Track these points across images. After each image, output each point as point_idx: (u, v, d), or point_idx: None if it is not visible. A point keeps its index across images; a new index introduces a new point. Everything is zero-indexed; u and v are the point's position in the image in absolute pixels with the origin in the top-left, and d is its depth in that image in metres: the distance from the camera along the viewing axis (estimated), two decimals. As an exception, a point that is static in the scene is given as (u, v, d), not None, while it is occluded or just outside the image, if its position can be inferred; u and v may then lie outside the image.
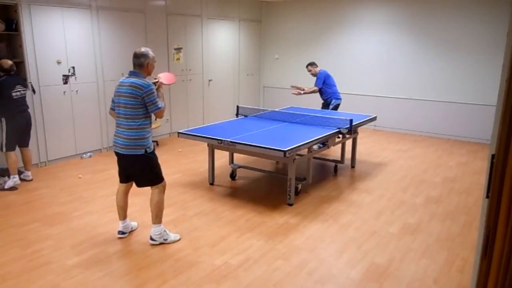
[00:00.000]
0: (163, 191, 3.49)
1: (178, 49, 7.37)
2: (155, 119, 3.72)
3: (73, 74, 5.82)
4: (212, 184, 4.99)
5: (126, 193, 3.60)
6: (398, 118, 8.02)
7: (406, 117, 7.94)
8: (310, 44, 8.80)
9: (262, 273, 3.08)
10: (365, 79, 8.24)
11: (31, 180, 5.01)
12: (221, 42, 8.32)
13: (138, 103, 3.21)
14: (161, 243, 3.47)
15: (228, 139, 4.27)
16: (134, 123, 3.25)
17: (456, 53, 7.27)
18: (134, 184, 3.56)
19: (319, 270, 3.13)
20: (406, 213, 4.23)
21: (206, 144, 4.80)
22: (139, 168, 3.37)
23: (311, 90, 6.45)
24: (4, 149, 4.74)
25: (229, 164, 5.37)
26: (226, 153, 5.45)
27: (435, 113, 7.63)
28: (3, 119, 4.69)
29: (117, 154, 3.39)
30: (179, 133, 4.70)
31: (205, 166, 5.27)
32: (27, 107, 4.92)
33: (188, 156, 6.23)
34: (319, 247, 3.48)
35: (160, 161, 3.54)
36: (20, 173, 4.95)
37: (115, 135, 3.37)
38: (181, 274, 3.05)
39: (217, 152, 4.97)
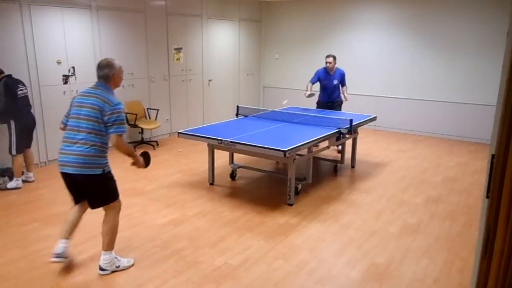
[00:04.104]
0: (118, 212, 3.07)
1: (178, 49, 7.37)
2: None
3: (73, 74, 5.82)
4: (212, 184, 4.99)
5: (83, 211, 3.16)
6: (398, 118, 8.02)
7: (406, 117, 7.94)
8: (310, 44, 8.80)
9: (262, 273, 3.08)
10: (365, 79, 8.24)
11: (33, 181, 5.00)
12: (221, 42, 8.32)
13: (101, 118, 2.84)
14: (113, 271, 3.05)
15: (228, 139, 4.27)
16: (96, 139, 2.84)
17: (456, 53, 7.26)
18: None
19: (319, 270, 3.13)
20: (406, 213, 4.23)
21: (206, 144, 4.80)
22: (95, 190, 2.96)
23: (347, 91, 6.45)
24: (14, 152, 4.70)
25: (229, 164, 5.37)
26: (226, 153, 5.45)
27: (435, 113, 7.63)
28: (12, 121, 4.66)
29: (66, 174, 2.90)
30: (179, 133, 4.70)
31: (205, 166, 5.27)
32: (31, 107, 4.95)
33: (188, 156, 6.23)
34: (319, 247, 3.48)
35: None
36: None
37: (62, 153, 2.87)
38: (181, 274, 3.05)
39: (217, 152, 4.97)
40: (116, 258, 3.08)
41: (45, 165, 5.66)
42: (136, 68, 6.68)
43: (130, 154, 3.07)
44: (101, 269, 3.03)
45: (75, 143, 2.83)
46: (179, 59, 7.42)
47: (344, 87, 6.44)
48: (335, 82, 6.35)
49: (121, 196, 3.09)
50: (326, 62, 6.31)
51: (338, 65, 6.46)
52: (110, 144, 2.92)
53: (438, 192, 4.85)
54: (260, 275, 3.05)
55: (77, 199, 3.10)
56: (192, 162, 5.92)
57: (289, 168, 4.28)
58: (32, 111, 4.97)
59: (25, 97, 4.82)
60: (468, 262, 3.26)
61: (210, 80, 8.19)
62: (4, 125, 4.75)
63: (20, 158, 4.77)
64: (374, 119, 5.86)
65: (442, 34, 7.33)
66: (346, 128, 4.90)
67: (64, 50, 5.65)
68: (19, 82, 4.79)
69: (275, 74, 9.55)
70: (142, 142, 6.72)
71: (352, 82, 8.26)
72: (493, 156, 1.49)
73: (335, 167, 5.60)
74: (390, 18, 7.80)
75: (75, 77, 5.84)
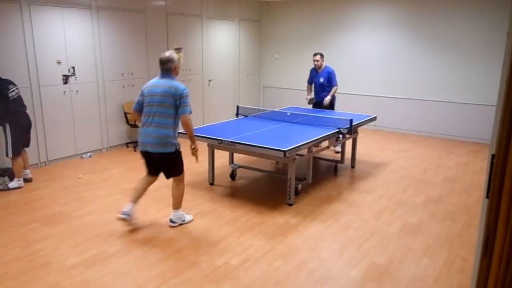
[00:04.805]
0: (183, 180, 3.81)
1: (178, 49, 7.37)
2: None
3: (73, 74, 5.82)
4: (212, 184, 4.99)
5: (151, 183, 3.77)
6: (398, 118, 8.02)
7: (406, 117, 7.95)
8: (310, 44, 8.80)
9: (262, 273, 3.08)
10: (365, 79, 8.24)
11: (31, 178, 5.00)
12: (221, 42, 8.32)
13: (173, 103, 3.48)
14: (180, 224, 3.82)
15: (228, 139, 4.27)
16: (169, 121, 3.50)
17: (456, 53, 7.27)
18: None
19: (319, 270, 3.13)
20: (406, 213, 4.23)
21: (206, 144, 4.80)
22: (169, 164, 3.66)
23: (334, 91, 6.33)
24: (11, 155, 4.66)
25: (229, 164, 5.37)
26: (226, 153, 5.45)
27: (435, 113, 7.63)
28: (7, 125, 4.60)
29: (146, 152, 3.56)
30: (179, 133, 4.69)
31: (205, 166, 5.27)
32: (26, 107, 4.85)
33: (188, 156, 6.21)
34: (319, 247, 3.48)
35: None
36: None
37: (143, 135, 3.52)
38: (181, 274, 3.05)
39: (217, 152, 4.97)
40: (183, 214, 3.85)
41: (45, 165, 5.66)
42: (136, 68, 6.68)
43: (192, 136, 3.68)
44: (172, 221, 3.80)
45: (152, 126, 3.48)
46: (179, 59, 7.41)
47: (334, 88, 6.33)
48: (321, 80, 6.34)
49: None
50: (314, 60, 6.33)
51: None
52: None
53: (438, 192, 4.85)
54: (260, 275, 3.05)
55: (151, 172, 3.73)
56: (192, 162, 5.89)
57: (289, 168, 4.28)
58: (27, 111, 4.86)
59: (18, 98, 4.70)
60: (468, 262, 3.26)
61: (210, 80, 8.19)
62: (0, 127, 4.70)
63: (19, 160, 4.75)
64: (374, 119, 5.86)
65: (442, 34, 7.33)
66: (346, 128, 4.90)
67: (64, 50, 5.65)
68: (9, 82, 4.63)
69: (275, 74, 9.55)
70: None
71: (352, 82, 8.29)
72: (493, 156, 1.50)
73: (335, 167, 5.60)
74: (390, 18, 7.80)
75: (75, 77, 5.84)
